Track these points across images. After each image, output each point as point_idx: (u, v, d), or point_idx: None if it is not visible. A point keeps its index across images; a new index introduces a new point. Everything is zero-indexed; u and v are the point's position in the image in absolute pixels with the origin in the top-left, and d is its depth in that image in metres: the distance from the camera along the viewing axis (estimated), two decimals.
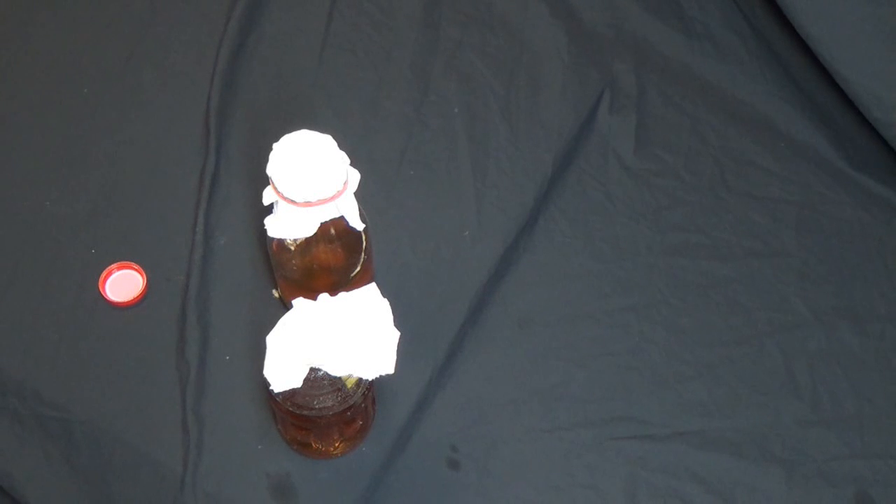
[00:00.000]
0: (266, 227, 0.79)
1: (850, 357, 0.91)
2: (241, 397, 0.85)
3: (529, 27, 1.06)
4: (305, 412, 0.77)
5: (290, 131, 0.77)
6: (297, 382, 0.73)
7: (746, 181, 1.00)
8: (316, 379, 0.75)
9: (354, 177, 0.78)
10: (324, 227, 0.78)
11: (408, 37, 1.05)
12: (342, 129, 0.82)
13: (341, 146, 0.77)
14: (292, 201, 0.75)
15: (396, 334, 0.73)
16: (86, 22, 1.05)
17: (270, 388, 0.73)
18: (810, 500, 0.85)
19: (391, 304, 0.74)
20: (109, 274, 0.90)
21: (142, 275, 0.90)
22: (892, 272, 0.96)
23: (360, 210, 0.79)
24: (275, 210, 0.78)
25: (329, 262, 0.84)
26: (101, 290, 0.89)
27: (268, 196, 0.78)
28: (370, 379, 0.75)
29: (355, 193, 0.78)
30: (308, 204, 0.75)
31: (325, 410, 0.77)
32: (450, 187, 0.97)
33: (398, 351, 0.73)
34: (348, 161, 0.77)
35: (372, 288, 0.74)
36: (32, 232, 0.92)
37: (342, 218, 0.78)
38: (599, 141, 1.01)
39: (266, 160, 0.76)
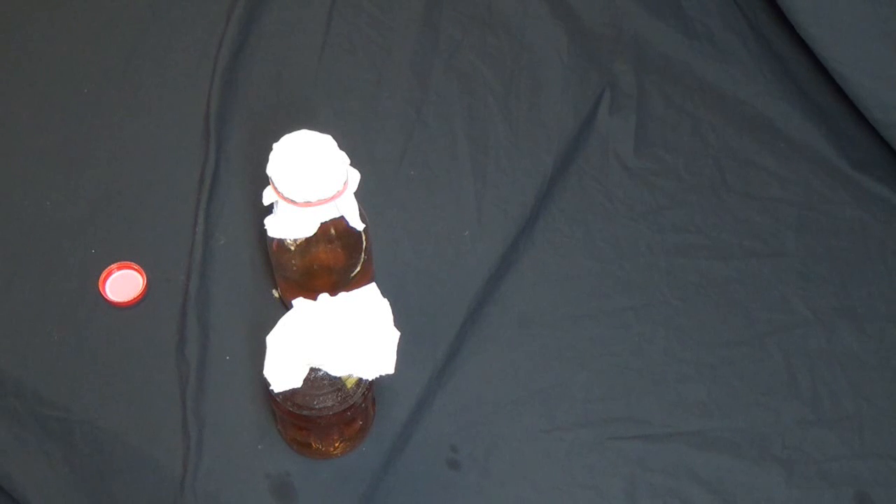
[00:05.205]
0: (266, 227, 0.79)
1: (850, 357, 0.91)
2: (241, 397, 0.85)
3: (529, 27, 1.06)
4: (305, 412, 0.77)
5: (290, 131, 0.77)
6: (297, 382, 0.73)
7: (746, 181, 1.00)
8: (316, 379, 0.75)
9: (354, 177, 0.78)
10: (324, 227, 0.78)
11: (408, 37, 1.05)
12: (342, 129, 0.82)
13: (341, 146, 0.77)
14: (292, 201, 0.75)
15: (396, 334, 0.73)
16: (86, 22, 1.05)
17: (270, 388, 0.73)
18: (810, 500, 0.85)
19: (391, 304, 0.74)
20: (109, 274, 0.90)
21: (142, 275, 0.90)
22: (892, 272, 0.96)
23: (360, 210, 0.79)
24: (275, 210, 0.78)
25: (329, 262, 0.84)
26: (101, 290, 0.89)
27: (268, 196, 0.78)
28: (370, 379, 0.75)
29: (355, 193, 0.78)
30: (308, 204, 0.75)
31: (325, 410, 0.77)
32: (450, 187, 0.97)
33: (398, 351, 0.73)
34: (348, 161, 0.77)
35: (372, 288, 0.74)
36: (32, 232, 0.92)
37: (342, 218, 0.78)
38: (599, 141, 1.01)
39: (266, 160, 0.76)
